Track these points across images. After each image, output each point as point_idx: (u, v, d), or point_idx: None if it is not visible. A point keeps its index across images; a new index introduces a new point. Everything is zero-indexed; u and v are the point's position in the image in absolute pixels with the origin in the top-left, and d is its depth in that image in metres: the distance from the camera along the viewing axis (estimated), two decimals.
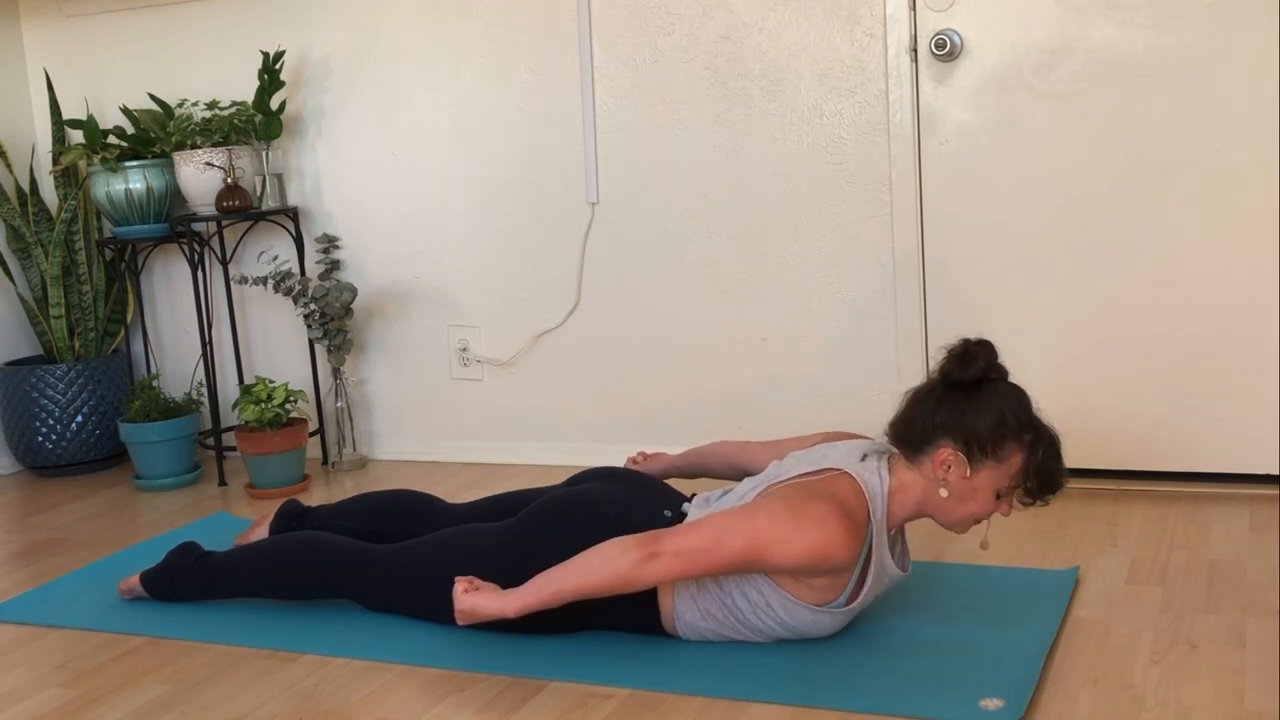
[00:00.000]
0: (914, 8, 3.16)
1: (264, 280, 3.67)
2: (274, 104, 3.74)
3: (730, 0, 3.34)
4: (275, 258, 3.83)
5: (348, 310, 3.73)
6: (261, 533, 2.86)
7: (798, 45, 3.29)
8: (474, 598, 2.25)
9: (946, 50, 3.13)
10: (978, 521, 2.27)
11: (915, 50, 3.18)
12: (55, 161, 3.98)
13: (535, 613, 2.35)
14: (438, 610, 2.45)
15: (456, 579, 2.28)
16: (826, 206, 3.33)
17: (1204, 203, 3.00)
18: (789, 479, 2.26)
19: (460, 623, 2.28)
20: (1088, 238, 3.10)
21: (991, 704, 2.01)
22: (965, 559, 2.68)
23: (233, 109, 3.75)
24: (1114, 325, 3.11)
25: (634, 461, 2.79)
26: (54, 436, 3.92)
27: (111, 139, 3.87)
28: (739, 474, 2.61)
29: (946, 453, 2.20)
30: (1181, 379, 3.07)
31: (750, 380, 3.47)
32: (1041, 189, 3.13)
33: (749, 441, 2.66)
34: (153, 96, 3.88)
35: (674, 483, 2.63)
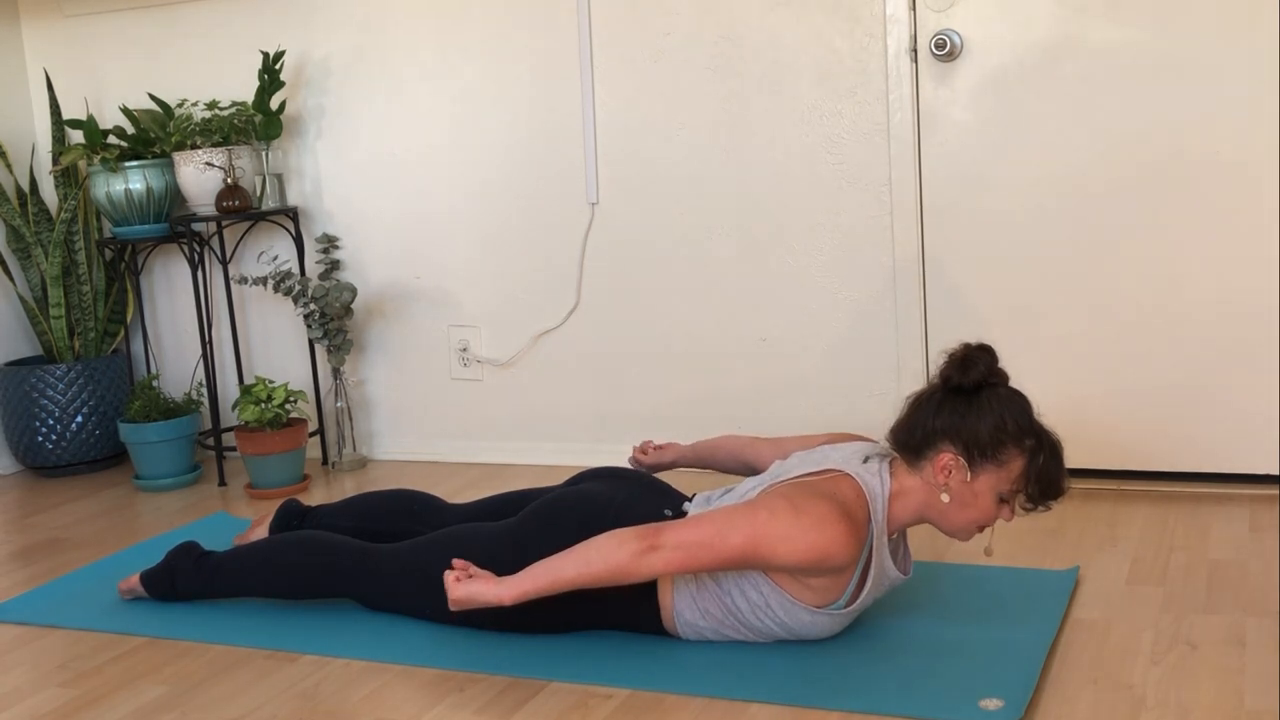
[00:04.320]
0: (914, 8, 3.16)
1: (264, 280, 3.67)
2: (274, 104, 3.74)
3: (730, 0, 3.34)
4: (275, 258, 3.83)
5: (348, 310, 3.73)
6: (261, 532, 2.86)
7: (798, 45, 3.29)
8: (469, 586, 2.22)
9: (946, 50, 3.13)
10: (980, 529, 2.27)
11: (915, 50, 3.18)
12: (55, 161, 3.98)
13: (536, 612, 2.35)
14: (439, 610, 2.45)
15: (447, 573, 2.27)
16: (826, 206, 3.33)
17: (1204, 203, 3.00)
18: (790, 478, 2.26)
19: (453, 609, 2.26)
20: (1088, 238, 3.10)
21: (991, 704, 2.02)
22: (965, 559, 2.68)
23: (233, 109, 3.75)
24: (1114, 326, 3.11)
25: (643, 452, 2.79)
26: (54, 436, 3.92)
27: (111, 139, 3.87)
28: (745, 469, 2.62)
29: (947, 457, 2.20)
30: (1181, 379, 3.07)
31: (750, 380, 3.47)
32: (1041, 189, 3.13)
33: (756, 438, 2.66)
34: (153, 96, 3.88)
35: (677, 481, 2.63)
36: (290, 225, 3.87)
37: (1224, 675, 2.09)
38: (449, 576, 2.25)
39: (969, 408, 2.21)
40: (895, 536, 2.30)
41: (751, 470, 2.60)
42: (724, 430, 3.34)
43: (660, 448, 2.80)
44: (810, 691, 2.12)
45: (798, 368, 3.42)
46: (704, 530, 2.15)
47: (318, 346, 3.86)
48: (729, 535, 2.14)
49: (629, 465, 2.80)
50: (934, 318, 3.26)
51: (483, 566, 2.35)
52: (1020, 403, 2.22)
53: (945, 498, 2.22)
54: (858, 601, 2.24)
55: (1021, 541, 2.79)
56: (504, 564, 2.33)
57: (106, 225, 4.05)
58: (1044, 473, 2.20)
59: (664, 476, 2.66)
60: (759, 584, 2.23)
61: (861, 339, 3.34)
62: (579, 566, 2.17)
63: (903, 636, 2.31)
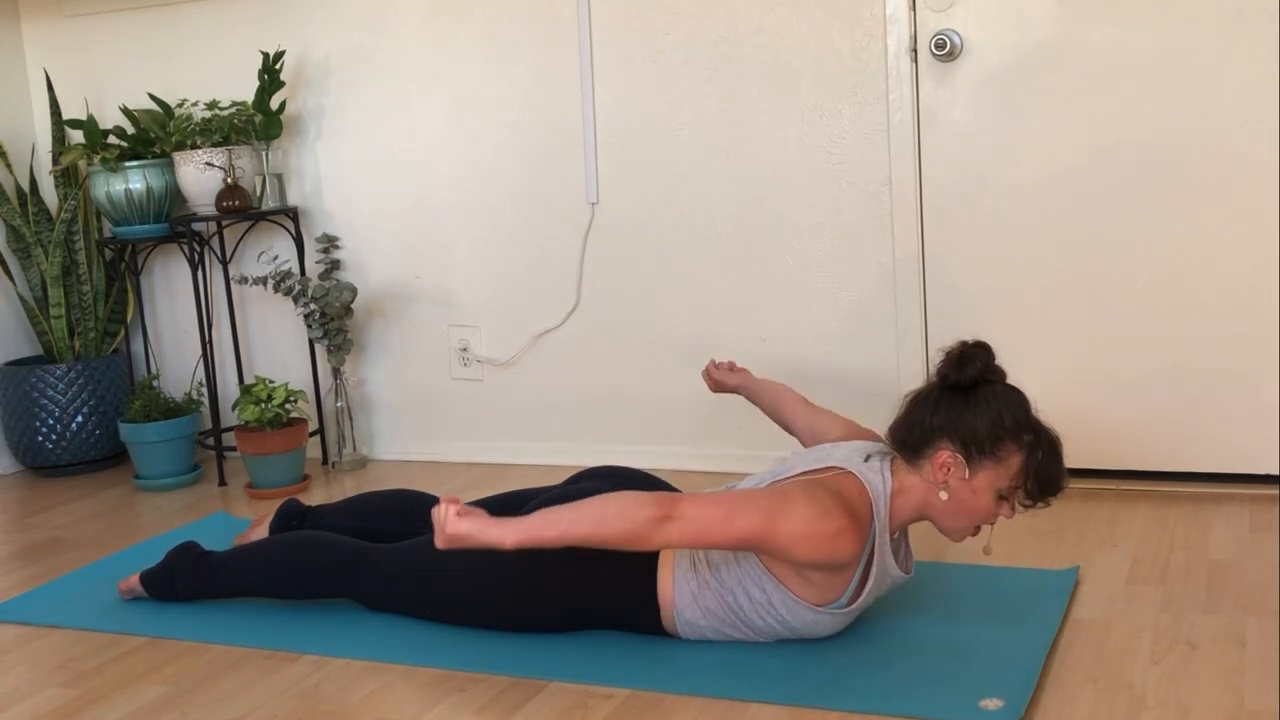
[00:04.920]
0: (914, 8, 3.16)
1: (264, 280, 3.67)
2: (274, 104, 3.74)
3: (730, 0, 3.34)
4: (275, 258, 3.83)
5: (348, 310, 3.73)
6: (261, 532, 2.86)
7: (798, 45, 3.29)
8: (467, 523, 2.12)
9: (946, 50, 3.13)
10: (976, 532, 2.27)
11: (915, 50, 3.18)
12: (55, 161, 3.98)
13: (535, 613, 2.36)
14: (439, 609, 2.45)
15: (442, 499, 2.18)
16: (826, 206, 3.33)
17: (1204, 203, 3.00)
18: (793, 475, 2.27)
19: (440, 546, 2.15)
20: (1088, 238, 3.11)
21: (991, 704, 2.02)
22: (965, 559, 2.68)
23: (233, 109, 3.75)
24: (1114, 325, 3.11)
25: (716, 366, 2.90)
26: (54, 436, 3.92)
27: (111, 139, 3.87)
28: (779, 421, 2.75)
29: (945, 455, 2.20)
30: (1182, 379, 3.07)
31: None
32: (1042, 189, 3.13)
33: (798, 398, 2.75)
34: (153, 96, 3.88)
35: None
36: (290, 225, 3.87)
37: (1224, 675, 2.09)
38: (448, 510, 2.14)
39: (966, 405, 2.21)
40: (897, 535, 2.30)
41: (783, 424, 2.73)
42: (724, 429, 3.36)
43: (736, 370, 2.91)
44: (810, 691, 2.12)
45: (798, 367, 3.42)
46: (721, 508, 2.15)
47: (318, 346, 3.86)
48: (745, 515, 2.13)
49: (702, 376, 2.93)
50: (934, 317, 3.26)
51: (482, 566, 2.36)
52: (1017, 399, 2.23)
53: (944, 495, 2.22)
54: (859, 600, 2.24)
55: (1021, 541, 2.79)
56: (503, 564, 2.33)
57: (106, 225, 4.05)
58: (1043, 469, 2.20)
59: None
60: (761, 581, 2.23)
61: (861, 338, 3.34)
62: (592, 525, 2.11)
63: (903, 636, 2.31)
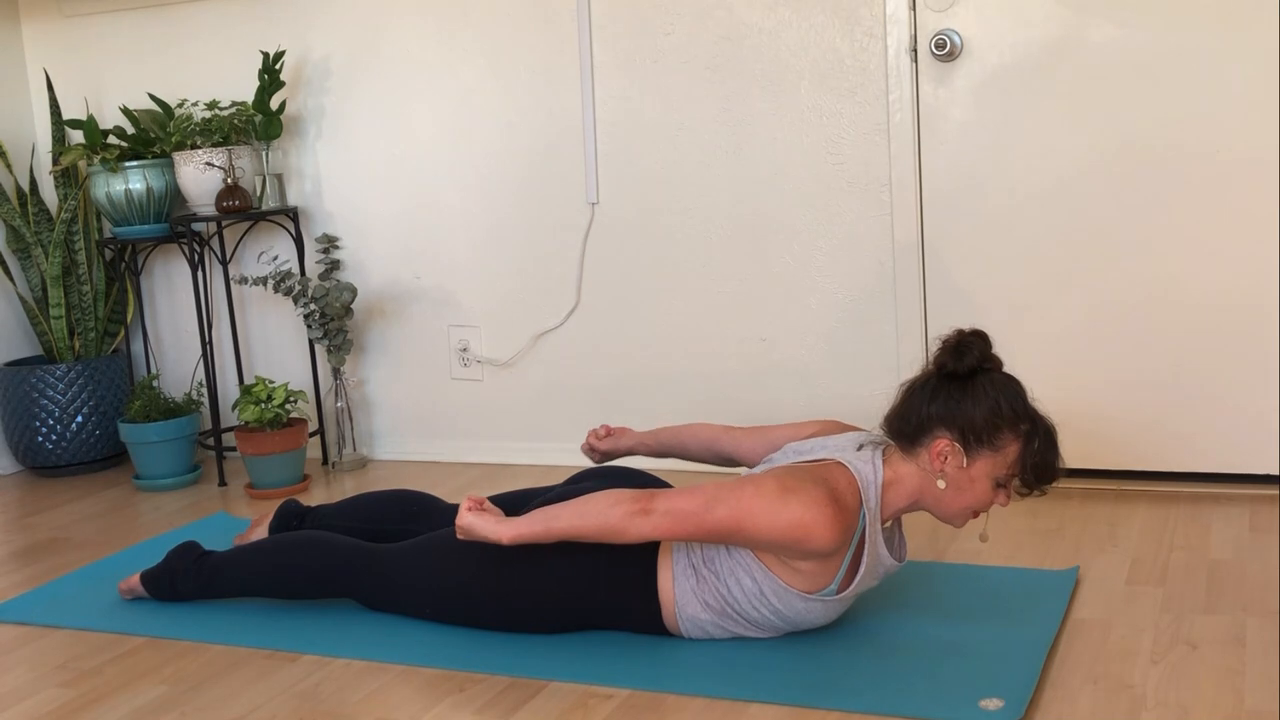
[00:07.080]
0: (914, 8, 3.16)
1: (264, 280, 3.67)
2: (274, 104, 3.74)
3: (730, 0, 3.34)
4: (275, 258, 3.83)
5: (348, 310, 3.73)
6: (261, 532, 2.86)
7: (798, 45, 3.29)
8: (475, 516, 2.29)
9: (946, 50, 3.13)
10: (976, 515, 2.27)
11: (915, 50, 3.18)
12: (55, 161, 3.98)
13: (535, 614, 2.36)
14: (438, 610, 2.45)
15: (466, 496, 2.34)
16: (826, 206, 3.33)
17: (1204, 202, 3.00)
18: (784, 465, 2.28)
19: (459, 537, 2.32)
20: (1087, 238, 3.11)
21: (991, 704, 2.02)
22: (965, 559, 2.68)
23: (233, 109, 3.75)
24: (1113, 325, 3.11)
25: (597, 437, 2.73)
26: (54, 436, 3.92)
27: (111, 139, 3.87)
28: (720, 459, 2.61)
29: (943, 444, 2.20)
30: (1181, 379, 3.07)
31: (750, 380, 3.46)
32: (1041, 189, 3.13)
33: (731, 427, 2.63)
34: (153, 96, 3.88)
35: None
36: (290, 225, 3.87)
37: (1224, 675, 2.09)
38: (463, 505, 2.31)
39: (964, 394, 2.21)
40: (890, 524, 2.30)
41: (729, 461, 2.60)
42: None
43: (614, 432, 2.73)
44: (810, 691, 2.12)
45: (798, 367, 3.42)
46: (695, 500, 2.18)
47: (318, 346, 3.86)
48: (716, 507, 2.16)
49: (581, 450, 2.76)
50: (934, 317, 3.26)
51: (481, 565, 2.37)
52: (1014, 387, 2.23)
53: (942, 484, 2.21)
54: (850, 587, 2.24)
55: (1021, 541, 2.79)
56: (503, 564, 2.34)
57: (106, 225, 4.05)
58: (1039, 458, 2.20)
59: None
60: (752, 570, 2.23)
61: (861, 338, 3.34)
62: (573, 518, 2.22)
63: (903, 636, 2.31)
